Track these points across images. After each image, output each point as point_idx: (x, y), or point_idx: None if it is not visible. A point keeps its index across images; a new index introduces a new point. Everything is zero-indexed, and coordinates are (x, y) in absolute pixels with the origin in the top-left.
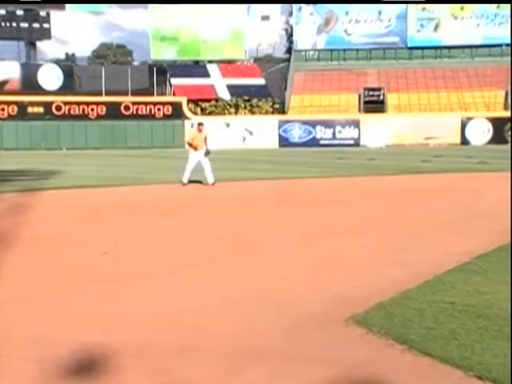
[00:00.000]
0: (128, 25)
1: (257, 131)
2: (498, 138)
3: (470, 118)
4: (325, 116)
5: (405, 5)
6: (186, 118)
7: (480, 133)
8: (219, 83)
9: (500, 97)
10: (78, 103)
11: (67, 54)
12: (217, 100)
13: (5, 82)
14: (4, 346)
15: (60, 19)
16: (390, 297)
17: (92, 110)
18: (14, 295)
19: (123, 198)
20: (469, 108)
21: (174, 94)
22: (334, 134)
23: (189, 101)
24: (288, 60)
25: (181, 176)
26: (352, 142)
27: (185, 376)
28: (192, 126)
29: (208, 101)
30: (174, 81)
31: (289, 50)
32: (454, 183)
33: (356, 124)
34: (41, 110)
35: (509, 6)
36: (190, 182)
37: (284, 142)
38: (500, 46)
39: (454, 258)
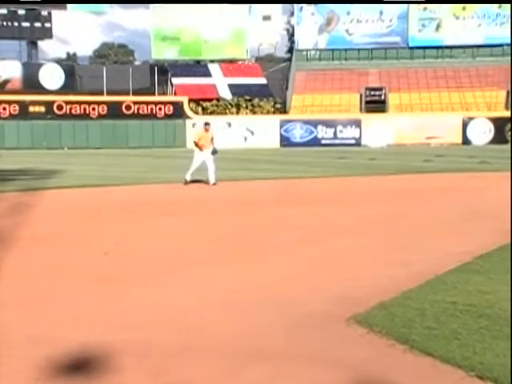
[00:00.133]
0: (129, 24)
1: (258, 131)
2: (499, 137)
3: (471, 118)
4: (326, 116)
5: (406, 5)
6: (188, 117)
7: (481, 133)
8: (221, 83)
9: (501, 97)
10: (80, 103)
11: (68, 54)
12: (218, 100)
13: (6, 82)
14: (4, 345)
15: (61, 19)
16: (392, 297)
17: (93, 109)
18: (15, 295)
19: (124, 197)
20: (470, 108)
21: (175, 94)
22: (335, 133)
23: (190, 100)
24: (289, 60)
25: (184, 175)
26: (353, 141)
27: (185, 376)
28: (193, 125)
29: (209, 100)
30: (176, 80)
31: (290, 50)
32: (455, 183)
33: (357, 124)
34: (42, 109)
35: (510, 5)
36: (192, 181)
37: (285, 141)
38: (501, 45)
39: (456, 257)
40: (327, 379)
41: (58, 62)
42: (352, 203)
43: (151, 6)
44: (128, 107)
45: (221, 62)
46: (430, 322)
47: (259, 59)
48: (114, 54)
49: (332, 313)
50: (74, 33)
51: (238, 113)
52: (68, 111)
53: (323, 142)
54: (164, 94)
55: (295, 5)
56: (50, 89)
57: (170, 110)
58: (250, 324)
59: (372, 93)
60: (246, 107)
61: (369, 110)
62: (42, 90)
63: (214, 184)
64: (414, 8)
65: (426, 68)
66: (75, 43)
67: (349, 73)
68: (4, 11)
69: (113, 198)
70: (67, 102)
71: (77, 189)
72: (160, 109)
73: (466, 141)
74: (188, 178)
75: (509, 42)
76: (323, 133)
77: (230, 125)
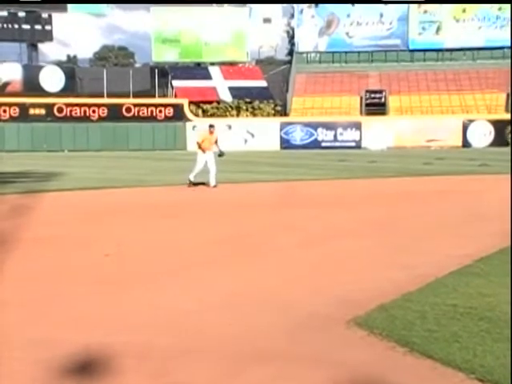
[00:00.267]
0: (130, 27)
1: (258, 133)
2: (499, 140)
3: (471, 121)
4: (326, 118)
5: (406, 7)
6: (188, 120)
7: (481, 135)
8: (221, 85)
9: (501, 99)
10: (80, 105)
11: (69, 56)
12: (218, 102)
13: (7, 84)
14: (5, 347)
15: (62, 21)
16: (392, 299)
17: (93, 111)
18: (16, 296)
19: (125, 199)
20: (470, 110)
21: (175, 96)
22: (335, 136)
23: (190, 103)
24: (290, 62)
25: (186, 176)
26: (353, 144)
27: (186, 378)
28: (194, 128)
29: (210, 103)
30: (176, 83)
31: (290, 53)
32: (455, 186)
33: (357, 126)
34: (42, 111)
35: (510, 8)
36: (194, 184)
37: (285, 144)
38: (502, 48)
39: (456, 260)
40: (328, 381)
41: (59, 64)
42: (352, 206)
43: (152, 8)
44: (128, 109)
45: (221, 64)
46: (430, 324)
47: (259, 62)
48: (114, 57)
49: (332, 315)
50: (75, 35)
51: (238, 115)
52: (68, 113)
53: (323, 144)
54: (164, 96)
55: (295, 7)
56: (50, 91)
57: (170, 112)
58: (251, 326)
59: (372, 95)
60: (247, 110)
61: (369, 113)
62: (42, 92)
63: (215, 186)
64: (415, 11)
65: (426, 70)
66: (75, 46)
67: (349, 75)
68: (4, 13)
69: (113, 200)
70: (67, 105)
71: (77, 191)
72: (160, 111)
73: (466, 143)
74: (192, 178)
75: (509, 44)
76: (323, 135)
77: (230, 127)
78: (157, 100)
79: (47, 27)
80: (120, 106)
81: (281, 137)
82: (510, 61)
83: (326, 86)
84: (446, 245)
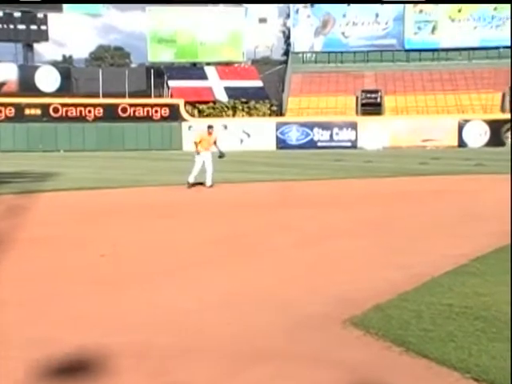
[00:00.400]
0: (125, 27)
1: (254, 133)
2: (495, 140)
3: (467, 121)
4: (322, 118)
5: (402, 7)
6: (184, 120)
7: (477, 135)
8: (217, 85)
9: (497, 99)
10: (76, 105)
11: (64, 56)
12: (214, 102)
13: (2, 84)
14: (2, 347)
15: (57, 21)
16: (388, 299)
17: (89, 111)
18: (13, 296)
19: (121, 200)
20: (466, 110)
21: (171, 96)
22: (331, 136)
23: (186, 103)
24: (285, 62)
25: (182, 177)
26: (349, 144)
27: (185, 377)
28: (189, 128)
29: (205, 103)
30: (172, 83)
31: (286, 53)
32: (451, 185)
33: (353, 126)
34: (38, 111)
35: (505, 8)
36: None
37: (281, 144)
38: (497, 48)
39: (452, 260)
40: (326, 381)
41: (54, 64)
42: (348, 206)
43: (147, 8)
44: (124, 110)
45: (217, 64)
46: (426, 324)
47: (255, 62)
48: (110, 57)
49: (329, 315)
50: (70, 35)
51: (234, 115)
52: (64, 114)
53: (319, 144)
54: (160, 96)
55: (291, 7)
56: (45, 91)
57: (166, 112)
58: (250, 325)
59: (368, 95)
60: (242, 110)
61: (365, 113)
62: (37, 92)
63: (211, 186)
64: (410, 10)
65: (421, 70)
66: (71, 46)
67: (345, 75)
68: (0, 13)
69: (109, 200)
70: (63, 105)
71: (73, 191)
72: (156, 111)
73: (461, 143)
74: (191, 180)
75: (504, 44)
76: (319, 135)
77: (226, 127)
78: (153, 100)
79: (43, 27)
80: (116, 106)
81: (277, 137)
82: (506, 60)
83: (322, 86)
84: (442, 244)
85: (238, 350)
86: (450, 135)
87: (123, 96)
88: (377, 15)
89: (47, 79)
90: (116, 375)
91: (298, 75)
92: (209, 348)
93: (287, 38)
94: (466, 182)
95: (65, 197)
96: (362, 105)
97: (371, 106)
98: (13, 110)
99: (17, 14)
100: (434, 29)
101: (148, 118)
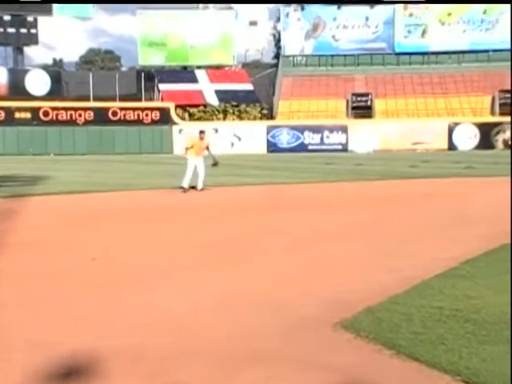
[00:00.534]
0: (116, 30)
1: (245, 137)
2: (484, 143)
3: (457, 124)
4: (313, 121)
5: (392, 11)
6: (174, 123)
7: (467, 138)
8: (207, 89)
9: (487, 102)
10: (66, 109)
11: (55, 60)
12: (205, 105)
13: None
14: None
15: (47, 24)
16: (378, 302)
17: (80, 115)
18: (3, 300)
19: (111, 203)
20: (456, 113)
21: (162, 100)
22: (321, 139)
23: (177, 106)
24: (276, 65)
25: (173, 181)
26: (340, 147)
27: (180, 379)
28: (180, 131)
29: (196, 106)
30: (162, 86)
31: (277, 56)
32: (441, 188)
33: (344, 129)
34: (28, 115)
35: (495, 11)
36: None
37: (272, 147)
38: (487, 51)
39: (442, 263)
40: (318, 383)
41: (44, 68)
42: (339, 209)
43: (138, 11)
44: (114, 113)
45: (207, 67)
46: (416, 327)
47: (246, 65)
48: (100, 60)
49: (319, 318)
50: (60, 39)
51: (224, 119)
52: (54, 117)
53: (310, 147)
54: (151, 100)
55: (281, 10)
56: (36, 95)
57: (156, 115)
58: (245, 327)
59: (358, 98)
60: (233, 113)
61: (355, 116)
62: (27, 96)
63: (202, 190)
64: (400, 14)
65: (411, 74)
66: (61, 49)
67: (335, 79)
68: None
69: (99, 204)
70: (53, 108)
71: (63, 195)
72: (147, 115)
73: (451, 146)
74: (185, 185)
75: (494, 47)
76: (310, 138)
77: (216, 131)
78: (143, 104)
79: (33, 30)
80: (106, 109)
81: (267, 140)
82: (495, 64)
83: (313, 90)
84: (432, 247)
85: (233, 351)
86: (440, 138)
87: (114, 99)
88: (367, 19)
89: (37, 83)
90: (111, 378)
91: (288, 78)
92: (204, 350)
93: (278, 41)
94: (456, 185)
95: (55, 200)
96: (353, 108)
97: (362, 110)
98: (3, 114)
99: (7, 18)
100: (423, 32)
101: (138, 122)
